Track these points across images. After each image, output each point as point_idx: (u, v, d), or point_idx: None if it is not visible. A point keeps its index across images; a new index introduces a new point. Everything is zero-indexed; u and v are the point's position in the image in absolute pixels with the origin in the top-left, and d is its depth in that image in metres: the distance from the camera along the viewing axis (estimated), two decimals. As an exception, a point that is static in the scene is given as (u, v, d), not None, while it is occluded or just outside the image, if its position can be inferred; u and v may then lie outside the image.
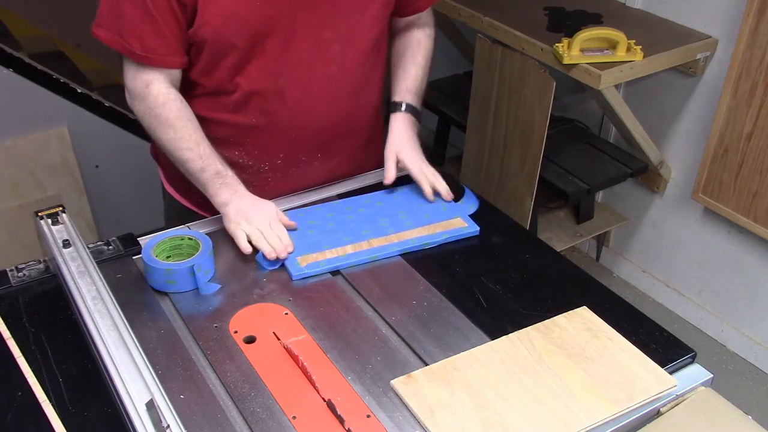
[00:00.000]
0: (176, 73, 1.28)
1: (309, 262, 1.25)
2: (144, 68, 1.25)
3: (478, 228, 1.35)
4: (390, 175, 1.41)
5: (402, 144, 1.43)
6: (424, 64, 1.49)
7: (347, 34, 1.31)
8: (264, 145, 1.36)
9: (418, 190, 1.43)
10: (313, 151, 1.40)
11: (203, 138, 1.28)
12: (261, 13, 1.22)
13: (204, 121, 1.31)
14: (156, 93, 1.25)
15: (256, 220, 1.27)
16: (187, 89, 1.32)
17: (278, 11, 1.23)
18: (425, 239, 1.32)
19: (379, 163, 1.54)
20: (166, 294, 1.19)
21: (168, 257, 1.22)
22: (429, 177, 1.42)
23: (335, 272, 1.26)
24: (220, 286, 1.19)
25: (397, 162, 1.43)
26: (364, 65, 1.37)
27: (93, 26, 1.24)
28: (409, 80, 1.47)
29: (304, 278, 1.23)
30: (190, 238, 1.23)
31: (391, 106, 1.46)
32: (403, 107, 1.45)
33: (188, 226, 1.36)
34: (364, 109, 1.43)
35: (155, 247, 1.21)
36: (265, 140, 1.35)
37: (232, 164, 1.35)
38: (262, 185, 1.39)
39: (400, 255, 1.29)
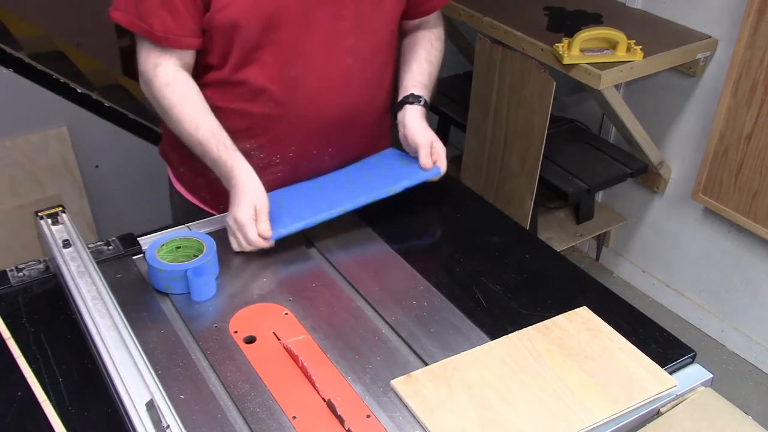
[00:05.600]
0: (188, 57, 1.29)
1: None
2: (155, 50, 1.26)
3: (440, 170, 1.37)
4: (429, 162, 1.38)
5: (431, 133, 1.42)
6: (437, 64, 1.49)
7: (362, 27, 1.32)
8: (277, 137, 1.36)
9: (383, 156, 1.46)
10: (324, 145, 1.40)
11: (206, 120, 1.28)
12: (277, 3, 1.23)
13: (218, 112, 1.32)
14: (162, 74, 1.27)
15: (235, 220, 1.25)
16: (203, 78, 1.33)
17: (294, 1, 1.24)
18: (389, 186, 1.34)
19: None
20: (165, 294, 1.19)
21: (174, 257, 1.22)
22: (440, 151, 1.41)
23: (336, 273, 1.26)
24: (213, 294, 1.19)
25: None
26: (377, 59, 1.38)
27: (111, 10, 1.25)
28: (425, 75, 1.46)
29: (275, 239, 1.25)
30: (198, 240, 1.23)
31: (408, 98, 1.43)
32: (422, 102, 1.44)
33: (188, 227, 1.36)
34: (375, 104, 1.44)
35: (163, 246, 1.22)
36: (279, 131, 1.36)
37: (244, 156, 1.36)
38: (271, 178, 1.40)
39: (400, 255, 1.29)
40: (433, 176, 1.38)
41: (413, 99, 1.43)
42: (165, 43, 1.25)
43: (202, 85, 1.33)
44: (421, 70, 1.47)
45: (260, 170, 1.38)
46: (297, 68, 1.30)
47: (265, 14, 1.23)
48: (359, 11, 1.30)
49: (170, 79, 1.27)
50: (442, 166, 1.39)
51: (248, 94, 1.32)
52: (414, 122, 1.41)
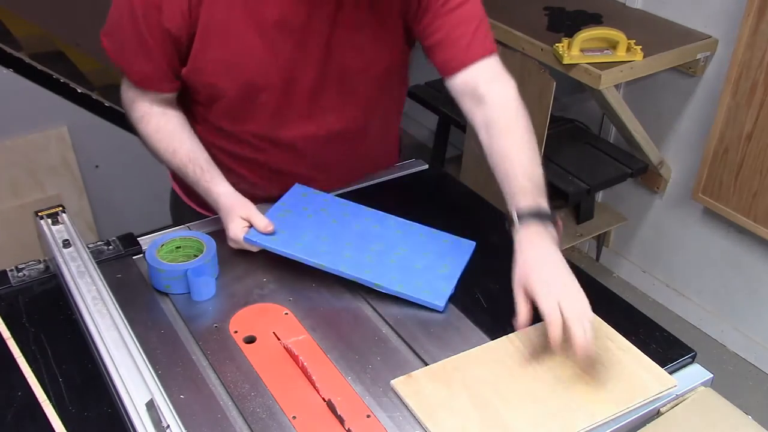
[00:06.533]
0: (168, 95, 1.29)
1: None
2: (133, 86, 1.27)
3: (443, 306, 1.15)
4: (522, 318, 1.07)
5: (529, 269, 1.07)
6: (528, 138, 1.20)
7: (347, 88, 1.30)
8: (265, 176, 1.38)
9: (427, 233, 1.29)
10: (312, 185, 1.39)
11: (182, 145, 1.28)
12: (255, 70, 1.22)
13: (208, 145, 1.32)
14: (138, 108, 1.29)
15: (231, 240, 1.25)
16: (193, 114, 1.33)
17: (273, 70, 1.23)
18: (388, 285, 1.17)
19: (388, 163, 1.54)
20: (166, 294, 1.19)
21: (174, 257, 1.22)
22: (567, 318, 1.01)
23: (336, 275, 1.26)
24: (213, 294, 1.19)
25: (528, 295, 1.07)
26: (362, 115, 1.35)
27: (101, 32, 1.25)
28: (519, 176, 1.15)
29: (253, 244, 1.21)
30: (198, 240, 1.23)
31: (513, 219, 1.13)
32: (521, 218, 1.12)
33: (188, 227, 1.36)
34: (365, 150, 1.43)
35: (163, 246, 1.22)
36: (264, 174, 1.37)
37: (238, 183, 1.35)
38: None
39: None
40: (434, 307, 1.15)
41: (518, 219, 1.12)
42: (141, 86, 1.26)
43: (193, 121, 1.33)
44: (513, 170, 1.17)
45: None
46: (278, 128, 1.30)
47: (243, 81, 1.23)
48: (345, 78, 1.28)
49: (144, 113, 1.28)
50: (579, 347, 1.00)
51: (234, 140, 1.33)
52: (527, 258, 1.09)
